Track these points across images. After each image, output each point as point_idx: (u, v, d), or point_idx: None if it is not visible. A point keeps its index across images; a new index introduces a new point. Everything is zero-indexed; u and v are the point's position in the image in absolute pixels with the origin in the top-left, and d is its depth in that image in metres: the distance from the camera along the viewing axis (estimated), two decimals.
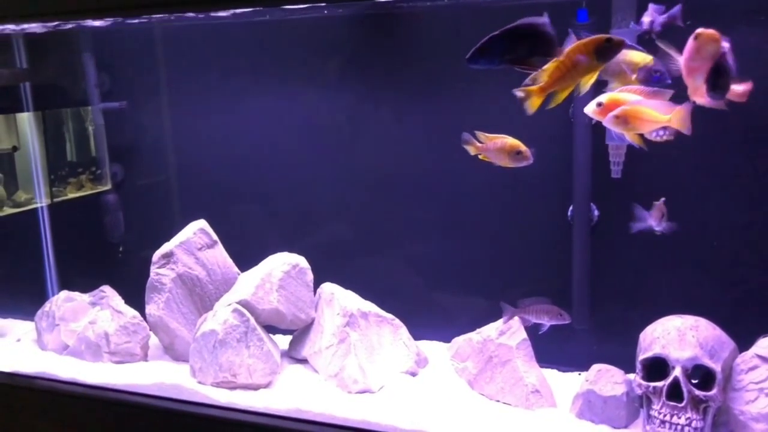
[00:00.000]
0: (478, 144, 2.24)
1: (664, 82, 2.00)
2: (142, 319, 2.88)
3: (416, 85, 2.86)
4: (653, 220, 2.29)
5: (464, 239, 2.90)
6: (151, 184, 3.46)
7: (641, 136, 2.06)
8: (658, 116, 1.99)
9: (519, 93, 1.91)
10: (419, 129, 2.90)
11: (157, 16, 2.88)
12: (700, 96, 1.83)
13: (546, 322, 2.44)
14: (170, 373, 2.72)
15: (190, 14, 2.76)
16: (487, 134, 2.23)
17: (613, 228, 2.63)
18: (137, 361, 2.85)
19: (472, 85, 2.71)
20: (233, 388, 2.57)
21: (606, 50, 1.83)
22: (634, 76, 2.02)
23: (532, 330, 2.51)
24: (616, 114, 1.99)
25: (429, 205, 2.94)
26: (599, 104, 2.01)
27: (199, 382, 2.62)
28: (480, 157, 2.25)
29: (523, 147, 2.19)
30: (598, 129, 2.48)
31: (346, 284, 2.79)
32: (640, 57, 2.01)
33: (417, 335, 2.78)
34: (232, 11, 2.61)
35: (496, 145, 2.23)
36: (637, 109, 2.00)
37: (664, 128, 2.06)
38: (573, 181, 2.59)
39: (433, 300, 2.98)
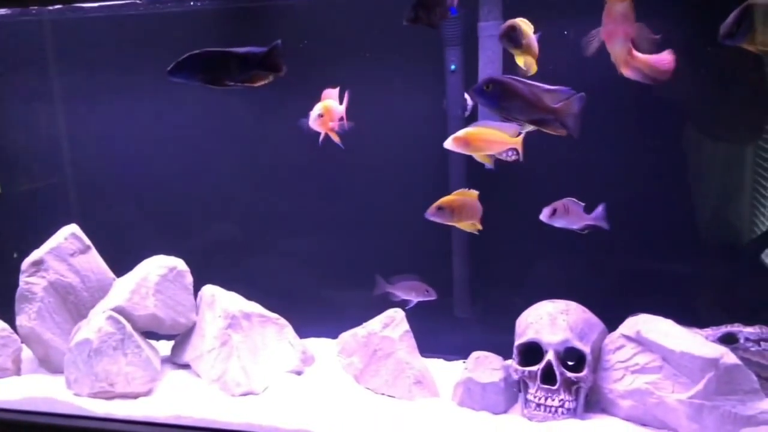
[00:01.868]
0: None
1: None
2: (12, 331, 2.73)
3: (295, 81, 2.82)
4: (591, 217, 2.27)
5: (347, 235, 2.90)
6: (21, 189, 3.29)
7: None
8: (503, 138, 2.18)
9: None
10: (299, 127, 2.87)
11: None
12: (626, 63, 1.91)
13: (413, 299, 2.51)
14: (44, 386, 2.58)
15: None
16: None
17: (490, 218, 2.68)
18: (9, 376, 2.70)
19: (352, 78, 2.70)
20: (111, 397, 2.47)
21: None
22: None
23: (416, 321, 2.53)
24: (457, 137, 2.18)
25: (310, 202, 2.92)
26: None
27: (75, 394, 2.50)
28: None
29: (445, 204, 2.28)
30: (471, 120, 2.52)
31: (229, 285, 2.73)
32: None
33: (305, 333, 2.76)
34: None
35: None
36: (478, 132, 2.18)
37: (512, 149, 2.23)
38: (449, 172, 2.62)
39: (320, 296, 2.96)
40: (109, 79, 3.03)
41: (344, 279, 2.92)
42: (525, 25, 2.06)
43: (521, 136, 2.16)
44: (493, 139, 2.19)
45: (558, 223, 2.24)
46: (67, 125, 3.19)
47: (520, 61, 2.09)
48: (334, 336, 2.80)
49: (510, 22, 2.06)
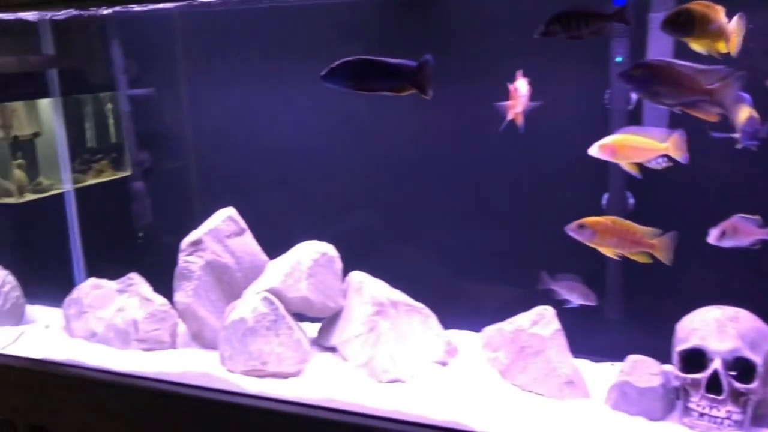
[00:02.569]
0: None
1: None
2: (170, 306, 2.87)
3: (440, 71, 2.82)
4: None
5: (495, 227, 2.86)
6: (179, 172, 3.45)
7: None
8: (652, 144, 2.05)
9: None
10: (448, 116, 2.86)
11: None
12: None
13: (574, 300, 2.45)
14: (199, 360, 2.71)
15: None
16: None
17: (648, 216, 2.57)
18: (166, 348, 2.85)
19: (503, 70, 2.66)
20: (263, 376, 2.55)
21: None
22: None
23: (563, 319, 2.47)
24: (603, 144, 2.08)
25: (459, 192, 2.90)
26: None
27: (229, 370, 2.61)
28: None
29: (588, 223, 2.21)
30: (634, 115, 2.44)
31: (374, 273, 2.76)
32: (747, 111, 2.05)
33: (447, 324, 2.75)
34: None
35: None
36: (625, 140, 2.08)
37: (662, 156, 2.10)
38: (608, 168, 2.54)
39: (463, 289, 2.95)
40: (263, 67, 3.12)
41: (487, 273, 2.89)
42: (707, 9, 1.91)
43: (676, 139, 2.02)
44: (641, 146, 2.08)
45: (727, 243, 2.14)
46: (218, 114, 3.32)
47: (699, 46, 1.95)
48: (475, 329, 2.79)
49: (679, 7, 1.92)
